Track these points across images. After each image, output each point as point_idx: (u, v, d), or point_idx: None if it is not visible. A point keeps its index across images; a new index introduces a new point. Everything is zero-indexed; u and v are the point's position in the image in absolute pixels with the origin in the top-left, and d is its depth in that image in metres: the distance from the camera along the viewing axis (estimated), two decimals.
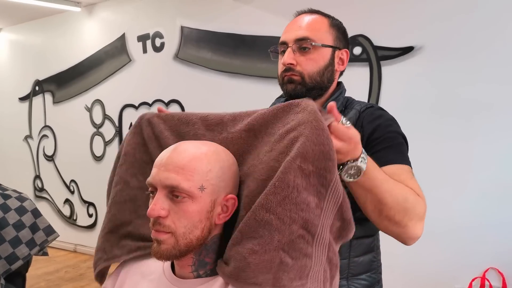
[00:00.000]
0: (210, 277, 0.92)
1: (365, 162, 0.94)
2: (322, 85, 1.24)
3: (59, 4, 4.33)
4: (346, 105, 1.27)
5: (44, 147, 5.17)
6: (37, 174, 5.26)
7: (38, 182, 5.26)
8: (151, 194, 0.91)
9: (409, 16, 2.81)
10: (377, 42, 2.95)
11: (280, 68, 1.25)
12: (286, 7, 3.25)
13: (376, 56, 2.97)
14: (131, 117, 4.36)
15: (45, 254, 2.23)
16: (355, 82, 2.99)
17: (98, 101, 4.61)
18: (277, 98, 1.38)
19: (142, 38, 4.18)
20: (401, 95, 2.86)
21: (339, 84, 1.32)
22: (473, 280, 2.63)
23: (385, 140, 1.15)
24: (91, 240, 4.80)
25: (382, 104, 2.92)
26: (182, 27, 3.91)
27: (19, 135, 5.35)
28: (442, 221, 2.75)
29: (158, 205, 0.87)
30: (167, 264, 0.99)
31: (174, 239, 0.87)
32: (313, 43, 1.20)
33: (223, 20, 3.65)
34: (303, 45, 1.20)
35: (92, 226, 4.80)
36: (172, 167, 0.87)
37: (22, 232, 2.07)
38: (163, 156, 0.91)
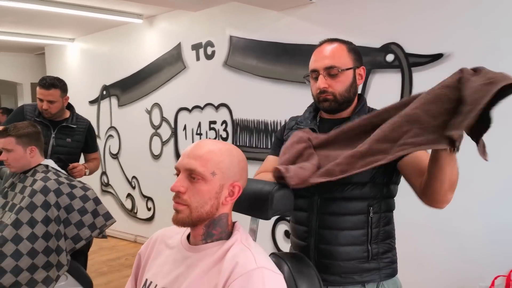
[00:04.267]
0: (215, 243, 1.20)
1: None
2: (350, 99, 1.55)
3: (124, 17, 4.76)
4: (369, 111, 1.56)
5: (110, 146, 5.67)
6: (104, 170, 5.77)
7: (104, 177, 5.77)
8: (176, 175, 1.20)
9: (438, 24, 2.91)
10: (408, 49, 3.07)
11: (315, 90, 1.54)
12: (324, 18, 3.49)
13: (408, 63, 3.09)
14: (185, 119, 4.72)
15: (104, 236, 2.60)
16: (388, 87, 3.17)
17: (156, 104, 5.01)
18: (309, 106, 1.68)
19: (196, 47, 4.52)
20: None
21: (360, 96, 1.61)
22: (496, 278, 2.70)
23: None
24: (149, 232, 5.20)
25: None
26: (231, 37, 4.21)
27: None
28: (469, 222, 2.84)
29: (179, 182, 1.16)
30: (184, 237, 1.28)
31: (189, 210, 1.16)
32: (339, 70, 1.49)
33: (268, 30, 3.90)
34: (331, 72, 1.50)
35: (150, 219, 5.22)
36: (192, 156, 1.16)
37: (85, 217, 2.43)
38: (187, 148, 1.20)
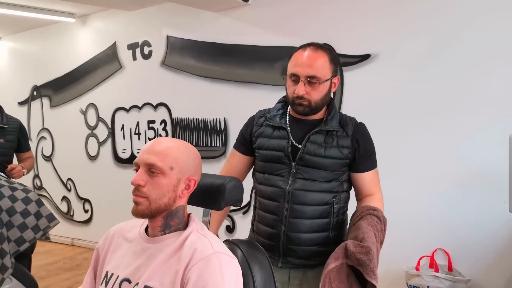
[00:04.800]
0: (172, 233, 1.29)
1: None
2: (322, 106, 1.70)
3: (55, 16, 4.63)
4: (340, 118, 1.74)
5: (42, 148, 5.50)
6: (36, 173, 5.59)
7: (37, 180, 5.58)
8: (135, 170, 1.28)
9: (366, 26, 3.14)
10: (339, 50, 3.27)
11: (292, 93, 1.66)
12: (259, 19, 3.63)
13: (339, 63, 3.31)
14: (122, 119, 4.69)
15: (47, 238, 2.59)
16: None
17: (92, 104, 4.93)
18: (277, 102, 1.82)
19: (132, 47, 4.52)
20: (360, 97, 3.20)
21: (332, 100, 1.76)
22: (421, 258, 2.97)
23: (372, 152, 1.78)
24: (87, 234, 5.13)
25: (344, 104, 3.27)
26: (168, 37, 4.25)
27: None
28: (395, 209, 3.08)
29: (139, 176, 1.24)
30: (142, 229, 1.35)
31: (148, 202, 1.24)
32: (320, 82, 1.62)
33: (205, 31, 3.98)
34: (312, 80, 1.62)
35: (88, 221, 5.13)
36: (152, 152, 1.25)
37: (28, 219, 2.41)
38: (146, 145, 1.29)
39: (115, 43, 4.65)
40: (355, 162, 1.72)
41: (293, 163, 1.68)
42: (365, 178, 1.75)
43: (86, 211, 5.14)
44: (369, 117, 3.10)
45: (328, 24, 3.32)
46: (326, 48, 1.67)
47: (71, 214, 5.27)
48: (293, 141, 1.70)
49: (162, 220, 1.28)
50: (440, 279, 2.77)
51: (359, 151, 1.71)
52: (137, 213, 1.26)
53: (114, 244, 1.38)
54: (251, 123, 1.83)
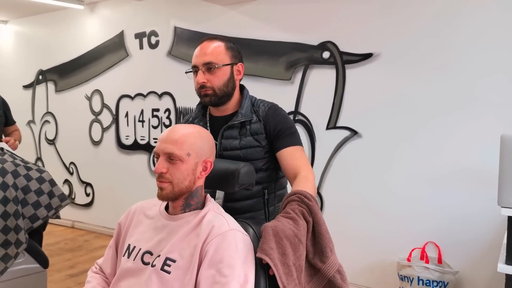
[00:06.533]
0: (191, 212, 1.42)
1: None
2: (229, 93, 1.73)
3: (64, 2, 4.65)
4: (253, 103, 1.77)
5: (46, 131, 5.59)
6: (39, 156, 5.68)
7: (39, 163, 5.66)
8: (155, 159, 1.40)
9: (369, 26, 3.26)
10: (343, 48, 3.39)
11: (196, 85, 1.71)
12: (266, 15, 3.74)
13: (342, 60, 3.42)
14: (127, 106, 4.80)
15: (58, 217, 2.70)
16: (323, 82, 3.49)
17: (97, 91, 5.03)
18: (198, 104, 1.85)
19: (139, 36, 4.61)
20: (361, 95, 3.32)
21: (243, 88, 1.82)
22: (412, 250, 3.11)
23: (286, 130, 1.72)
24: (88, 217, 5.25)
25: (346, 100, 3.38)
26: (175, 27, 4.34)
27: (22, 120, 5.72)
28: (389, 203, 3.23)
29: (160, 165, 1.37)
30: (162, 208, 1.48)
31: (171, 186, 1.37)
32: (216, 66, 1.67)
33: (211, 23, 4.08)
34: (209, 66, 1.67)
35: (89, 205, 5.24)
36: (169, 141, 1.38)
37: (42, 198, 2.52)
38: (163, 133, 1.41)
39: (122, 32, 4.74)
40: (272, 143, 1.74)
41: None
42: (283, 155, 1.71)
43: (87, 195, 5.24)
44: (369, 115, 3.29)
45: (332, 23, 3.43)
46: (222, 38, 1.73)
47: (73, 197, 5.37)
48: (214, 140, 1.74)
49: (183, 200, 1.42)
50: (430, 270, 2.92)
51: (272, 131, 1.72)
52: (162, 197, 1.39)
53: (136, 220, 1.50)
54: None
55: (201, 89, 1.69)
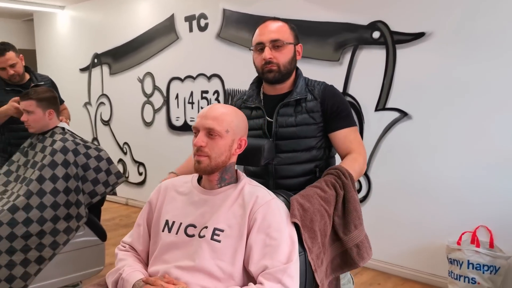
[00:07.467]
0: (228, 186, 1.51)
1: None
2: (290, 71, 1.80)
3: None
4: (307, 83, 1.83)
5: (101, 113, 5.83)
6: (95, 136, 5.95)
7: (95, 143, 5.91)
8: (195, 134, 1.48)
9: (422, 4, 3.16)
10: (393, 27, 3.31)
11: (259, 61, 1.78)
12: None
13: (392, 40, 3.35)
14: (177, 88, 4.91)
15: (115, 193, 2.85)
16: (373, 62, 3.44)
17: (149, 73, 5.18)
18: (251, 84, 1.94)
19: (189, 19, 4.69)
20: (412, 74, 3.25)
21: (296, 68, 1.87)
22: (463, 233, 3.05)
23: (342, 111, 1.78)
24: (141, 195, 5.47)
25: (396, 81, 3.33)
26: (224, 10, 4.38)
27: (79, 102, 6.02)
28: (440, 184, 3.18)
29: (200, 139, 1.44)
30: (194, 183, 1.55)
31: (209, 160, 1.45)
32: (284, 43, 1.74)
33: (260, 5, 4.07)
34: (276, 44, 1.74)
35: (142, 183, 5.45)
36: (210, 117, 1.46)
37: (100, 175, 2.67)
38: (203, 110, 1.49)
39: (172, 15, 4.83)
40: (327, 123, 1.79)
41: (271, 139, 1.79)
42: (338, 136, 1.78)
43: (140, 174, 5.45)
44: (420, 96, 3.22)
45: (382, 2, 3.36)
46: (286, 20, 1.79)
47: (126, 176, 5.59)
48: (268, 118, 1.81)
49: (218, 174, 1.50)
50: (481, 254, 2.86)
51: (328, 111, 1.77)
52: (199, 170, 1.47)
53: (168, 196, 1.56)
54: None
55: (266, 65, 1.75)
